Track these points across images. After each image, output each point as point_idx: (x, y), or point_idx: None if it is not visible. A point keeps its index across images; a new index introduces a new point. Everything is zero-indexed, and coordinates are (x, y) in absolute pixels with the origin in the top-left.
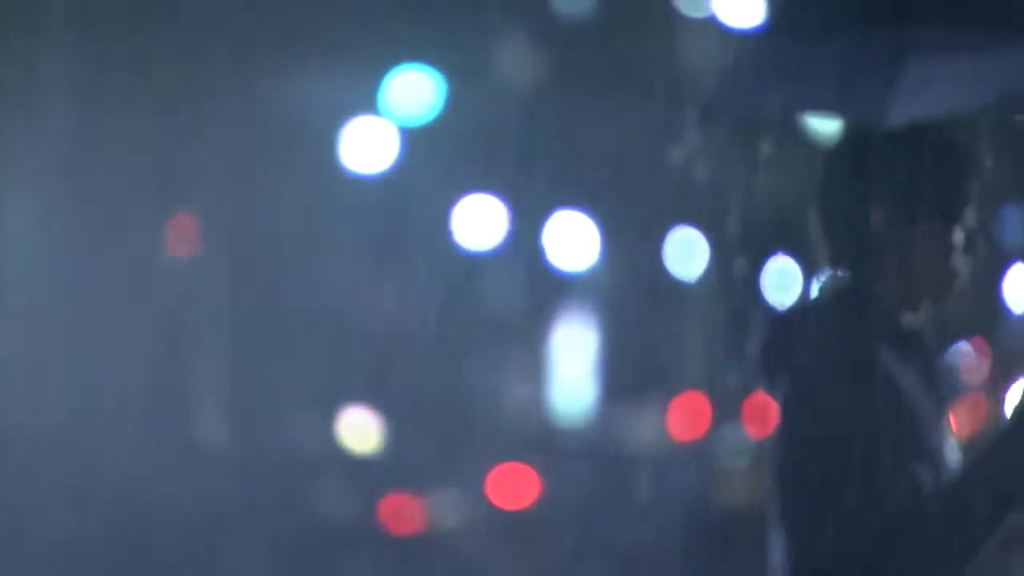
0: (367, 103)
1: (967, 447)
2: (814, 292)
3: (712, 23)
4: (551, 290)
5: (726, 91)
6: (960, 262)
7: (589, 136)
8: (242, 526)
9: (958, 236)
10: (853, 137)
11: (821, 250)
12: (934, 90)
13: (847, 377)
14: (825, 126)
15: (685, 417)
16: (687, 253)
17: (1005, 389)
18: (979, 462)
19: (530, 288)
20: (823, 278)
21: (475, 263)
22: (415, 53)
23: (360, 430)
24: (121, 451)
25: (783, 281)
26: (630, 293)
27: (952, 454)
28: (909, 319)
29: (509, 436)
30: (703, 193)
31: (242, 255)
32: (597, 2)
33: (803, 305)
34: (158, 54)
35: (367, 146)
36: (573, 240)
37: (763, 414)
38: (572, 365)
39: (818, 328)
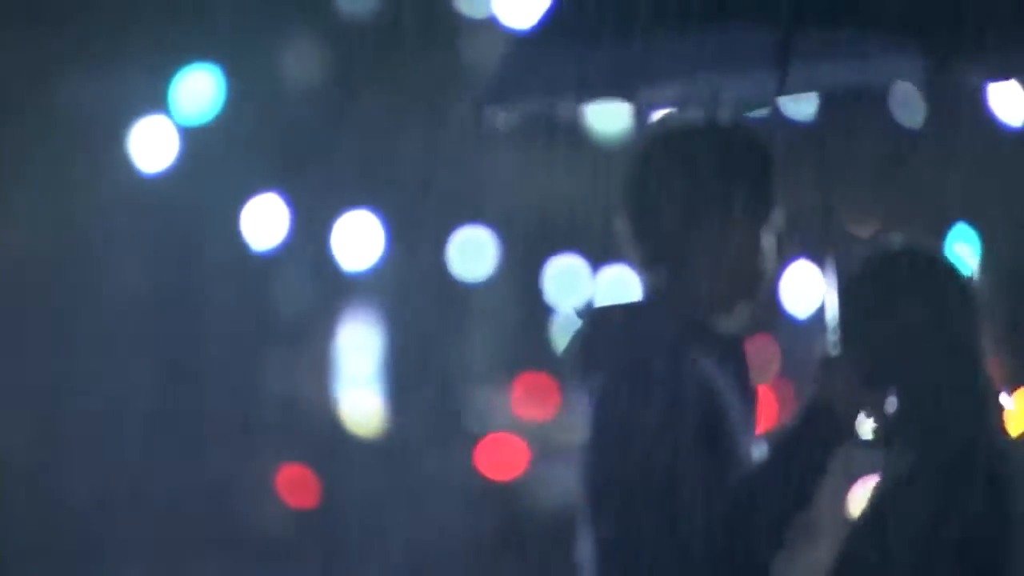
0: (154, 102)
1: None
2: (631, 293)
3: (493, 24)
4: (337, 289)
5: (509, 90)
6: (768, 262)
7: (374, 135)
8: None
9: (766, 236)
10: (653, 137)
11: (632, 252)
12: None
13: (661, 378)
14: (612, 126)
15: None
16: (474, 252)
17: (792, 389)
18: (771, 462)
19: (316, 287)
20: (638, 280)
21: (262, 262)
22: (202, 53)
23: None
24: None
25: (570, 280)
26: (416, 292)
27: (759, 454)
28: (723, 321)
29: (297, 436)
30: (490, 192)
31: (28, 253)
32: (380, 2)
33: (618, 305)
34: None
35: (155, 145)
36: (359, 239)
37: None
38: (358, 364)
39: (632, 329)
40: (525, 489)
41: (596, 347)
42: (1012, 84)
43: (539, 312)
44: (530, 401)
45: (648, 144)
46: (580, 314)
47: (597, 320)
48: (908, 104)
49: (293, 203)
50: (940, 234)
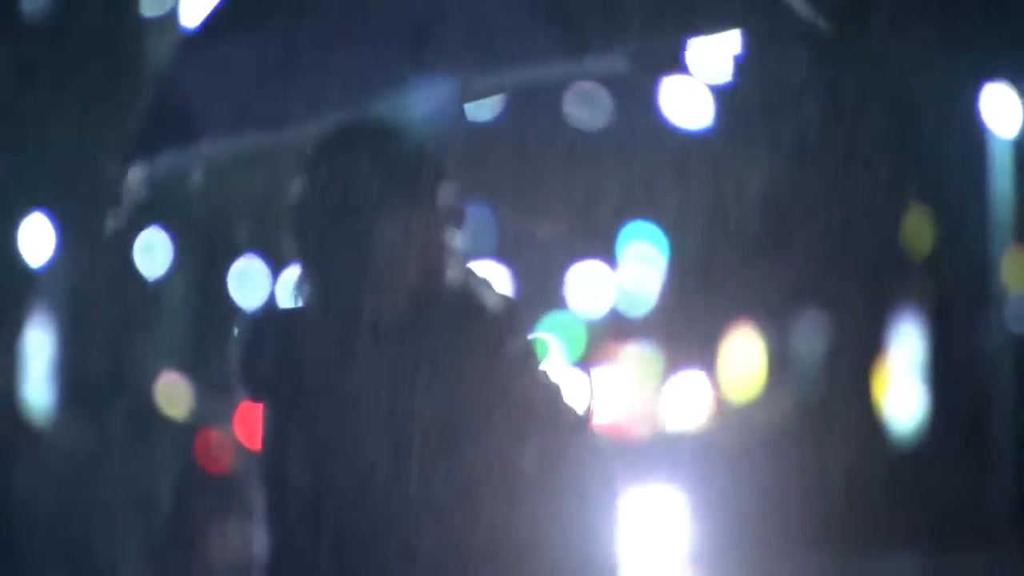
0: None
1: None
2: (293, 295)
3: (173, 21)
4: (14, 287)
5: (169, 89)
6: (439, 258)
7: (53, 135)
8: None
9: (438, 232)
10: (313, 144)
11: (297, 256)
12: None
13: (338, 380)
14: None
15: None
16: (151, 252)
17: None
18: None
19: None
20: (299, 281)
21: None
22: None
23: None
24: None
25: (249, 281)
26: (92, 291)
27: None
28: (394, 317)
29: None
30: (168, 193)
31: None
32: (59, 3)
33: (288, 309)
34: None
35: None
36: (34, 238)
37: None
38: (35, 363)
39: (295, 334)
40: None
41: (261, 352)
42: (690, 85)
43: (225, 317)
44: None
45: (309, 147)
46: (236, 322)
47: (256, 327)
48: (588, 105)
49: None
50: (615, 232)
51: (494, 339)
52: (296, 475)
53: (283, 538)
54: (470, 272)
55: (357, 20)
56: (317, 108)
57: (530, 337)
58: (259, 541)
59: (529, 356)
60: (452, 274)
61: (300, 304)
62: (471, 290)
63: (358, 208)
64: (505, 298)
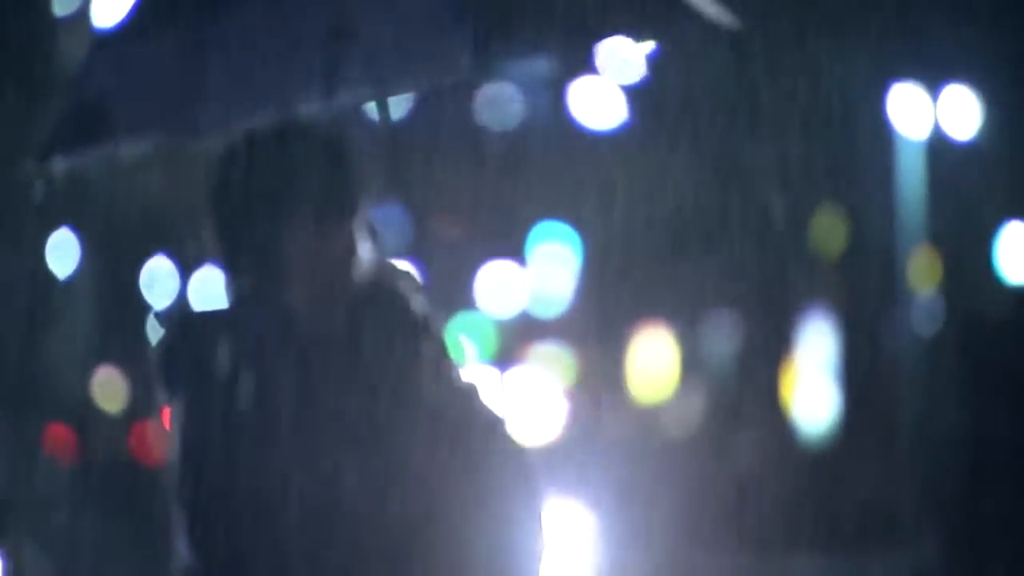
0: None
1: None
2: (227, 295)
3: (84, 20)
4: None
5: (84, 88)
6: (352, 261)
7: None
8: None
9: (354, 236)
10: (234, 142)
11: (219, 256)
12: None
13: (252, 383)
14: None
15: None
16: (62, 252)
17: None
18: None
19: None
20: (226, 286)
21: None
22: None
23: None
24: None
25: (159, 281)
26: (3, 291)
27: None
28: (308, 320)
29: None
30: (79, 193)
31: None
32: None
33: (209, 311)
34: None
35: None
36: None
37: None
38: None
39: (217, 335)
40: None
41: (179, 354)
42: (602, 84)
43: (134, 310)
44: None
45: (229, 148)
46: (161, 320)
47: (180, 326)
48: (498, 105)
49: None
50: (526, 232)
51: (409, 341)
52: (211, 477)
53: (199, 539)
54: (390, 270)
55: (275, 25)
56: (233, 111)
57: (445, 338)
58: (178, 542)
59: (444, 358)
60: (366, 277)
61: (230, 304)
62: (386, 293)
63: (271, 212)
64: (421, 299)
